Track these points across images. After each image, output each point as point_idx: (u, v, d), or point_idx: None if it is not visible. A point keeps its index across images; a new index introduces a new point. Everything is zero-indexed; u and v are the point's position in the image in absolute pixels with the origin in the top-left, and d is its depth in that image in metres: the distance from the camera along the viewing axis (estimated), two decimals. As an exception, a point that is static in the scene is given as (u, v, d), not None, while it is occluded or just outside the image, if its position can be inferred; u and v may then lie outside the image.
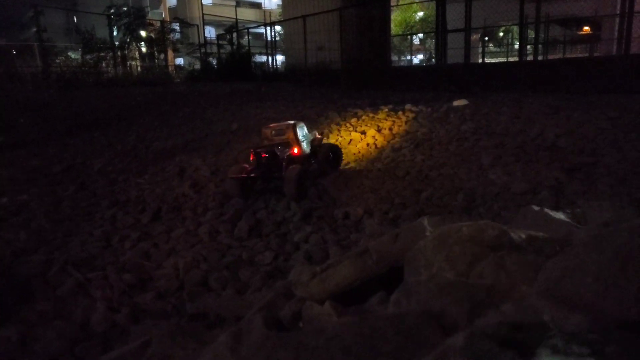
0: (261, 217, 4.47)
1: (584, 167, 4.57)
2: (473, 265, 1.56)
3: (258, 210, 4.64)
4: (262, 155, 5.07)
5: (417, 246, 1.84)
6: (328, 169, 5.59)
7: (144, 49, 22.19)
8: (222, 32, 25.74)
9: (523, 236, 1.67)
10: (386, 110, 8.19)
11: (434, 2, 13.94)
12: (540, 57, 21.61)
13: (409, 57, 30.66)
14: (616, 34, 14.23)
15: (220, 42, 23.99)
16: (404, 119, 7.57)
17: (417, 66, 24.37)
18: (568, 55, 24.77)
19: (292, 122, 5.33)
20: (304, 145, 5.26)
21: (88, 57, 18.79)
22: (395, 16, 33.01)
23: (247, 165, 5.05)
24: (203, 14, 25.71)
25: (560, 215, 2.16)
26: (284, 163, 4.94)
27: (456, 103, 8.16)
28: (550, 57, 23.02)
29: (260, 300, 2.33)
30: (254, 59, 22.95)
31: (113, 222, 4.68)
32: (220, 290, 3.15)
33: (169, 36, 22.68)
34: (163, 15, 31.17)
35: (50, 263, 3.63)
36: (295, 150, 5.14)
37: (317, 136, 5.77)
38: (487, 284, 1.46)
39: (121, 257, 3.78)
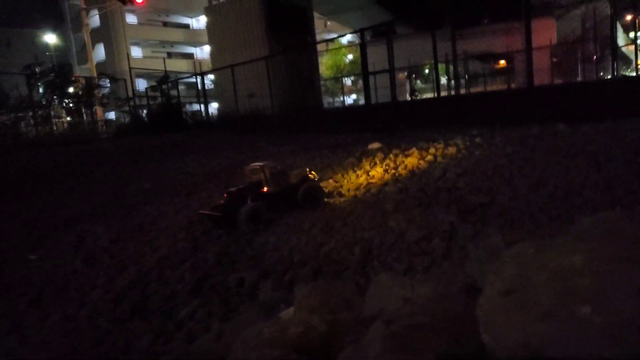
0: (150, 290, 4.17)
1: (478, 208, 4.61)
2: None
3: (150, 283, 4.34)
4: (224, 196, 5.73)
5: (233, 348, 1.68)
6: (304, 205, 5.85)
7: (70, 106, 21.46)
8: (154, 83, 25.42)
9: (323, 327, 1.53)
10: (305, 157, 8.16)
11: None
12: (463, 91, 22.70)
13: (342, 98, 31.39)
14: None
15: (152, 93, 23.63)
16: (320, 165, 7.54)
17: (348, 107, 24.93)
18: (489, 88, 26.17)
19: (264, 163, 5.98)
20: (276, 183, 5.86)
21: (4, 118, 17.90)
22: (326, 60, 34.03)
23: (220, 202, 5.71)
24: (131, 68, 25.31)
25: (396, 289, 2.03)
26: (248, 200, 5.51)
27: (370, 146, 8.25)
28: (474, 90, 24.22)
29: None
30: (185, 109, 22.72)
31: (-16, 311, 4.23)
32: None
33: (95, 91, 22.07)
34: (90, 71, 30.50)
35: None
36: (265, 189, 5.79)
37: (308, 174, 6.13)
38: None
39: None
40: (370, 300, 2.28)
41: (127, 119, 23.64)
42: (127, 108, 23.74)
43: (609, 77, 15.44)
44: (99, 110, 24.02)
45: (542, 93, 10.62)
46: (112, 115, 29.66)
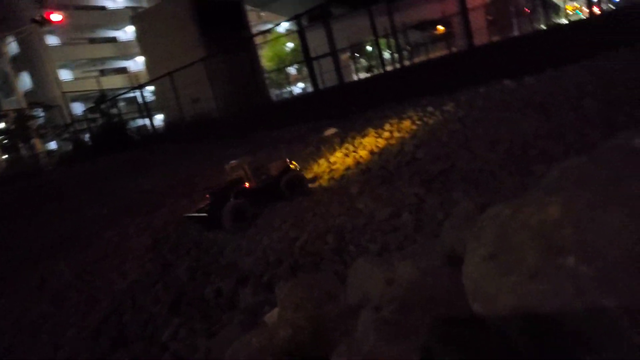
0: (127, 319, 4.01)
1: (440, 175, 4.65)
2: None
3: (125, 311, 4.17)
4: (206, 197, 5.77)
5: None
6: (287, 195, 5.79)
7: (4, 143, 20.40)
8: (92, 105, 24.46)
9: (311, 325, 1.48)
10: (261, 155, 8.04)
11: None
12: (408, 63, 22.94)
13: (289, 89, 31.14)
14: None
15: (91, 115, 22.74)
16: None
17: (296, 97, 24.76)
18: (432, 55, 26.53)
19: (242, 159, 6.03)
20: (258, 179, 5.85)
21: None
22: (267, 52, 33.66)
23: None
24: (64, 92, 24.25)
25: (376, 272, 1.99)
26: (231, 198, 5.48)
27: (326, 133, 8.21)
28: (418, 60, 24.49)
29: None
30: (130, 126, 22.03)
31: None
32: None
33: (29, 123, 21.03)
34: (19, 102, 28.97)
35: None
36: (247, 185, 5.77)
37: (289, 165, 6.03)
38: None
39: None
40: (353, 288, 2.24)
41: (70, 146, 22.68)
42: (67, 135, 22.76)
43: (543, 27, 15.94)
44: (37, 142, 22.92)
45: (483, 52, 10.82)
46: (53, 145, 28.41)
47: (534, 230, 1.16)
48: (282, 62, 32.59)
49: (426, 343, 0.93)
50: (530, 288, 1.06)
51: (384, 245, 3.77)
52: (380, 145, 6.19)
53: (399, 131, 6.58)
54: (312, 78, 13.80)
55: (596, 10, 13.88)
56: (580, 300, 0.96)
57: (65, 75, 38.13)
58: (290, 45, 36.11)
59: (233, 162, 6.08)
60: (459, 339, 0.96)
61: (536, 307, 1.02)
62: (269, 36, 32.88)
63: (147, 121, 21.16)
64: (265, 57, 33.49)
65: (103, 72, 40.71)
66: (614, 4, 24.53)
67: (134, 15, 22.81)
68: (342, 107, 11.55)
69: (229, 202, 5.39)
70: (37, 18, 24.25)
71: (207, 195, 5.77)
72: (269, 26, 33.68)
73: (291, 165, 6.13)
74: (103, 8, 43.12)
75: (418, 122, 6.57)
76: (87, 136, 22.12)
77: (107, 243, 6.16)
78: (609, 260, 0.97)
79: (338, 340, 1.40)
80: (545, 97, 5.91)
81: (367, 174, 5.49)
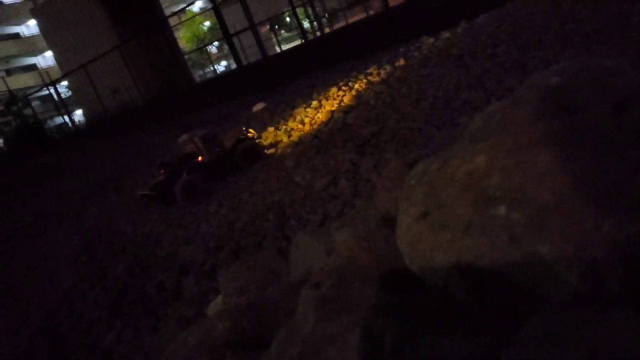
0: (65, 329, 3.77)
1: (372, 138, 4.66)
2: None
3: (62, 322, 3.92)
4: (161, 172, 5.65)
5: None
6: (243, 165, 5.66)
7: None
8: (1, 107, 22.55)
9: (252, 312, 1.40)
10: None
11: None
12: (328, 30, 22.80)
13: (212, 68, 30.14)
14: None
15: (2, 119, 21.00)
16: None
17: (220, 75, 23.96)
18: (351, 20, 26.49)
19: (192, 133, 5.82)
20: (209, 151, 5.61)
21: None
22: (184, 33, 32.28)
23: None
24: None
25: (316, 245, 1.93)
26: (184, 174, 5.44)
27: (255, 109, 8.02)
28: (336, 26, 24.37)
29: None
30: (47, 125, 20.59)
31: None
32: None
33: None
34: None
35: None
36: (199, 158, 5.61)
37: (244, 134, 5.80)
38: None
39: None
40: (295, 263, 2.18)
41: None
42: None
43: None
44: None
45: (399, 12, 10.87)
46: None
47: (462, 182, 1.12)
48: (201, 42, 31.38)
49: (366, 319, 0.87)
50: (465, 243, 1.03)
51: (325, 215, 3.74)
52: (310, 115, 6.11)
53: (326, 99, 6.52)
54: (234, 54, 13.38)
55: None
56: (516, 249, 0.93)
57: (-36, 78, 34.83)
58: (207, 24, 34.78)
59: (184, 136, 5.89)
60: (398, 308, 0.91)
61: (473, 261, 0.99)
62: (184, 17, 31.49)
63: (66, 118, 19.85)
64: (183, 38, 32.14)
65: (9, 72, 37.36)
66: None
67: (34, 8, 20.92)
68: (268, 80, 11.32)
69: (180, 179, 5.31)
70: None
71: (161, 171, 5.65)
72: (182, 6, 32.24)
73: (248, 134, 5.88)
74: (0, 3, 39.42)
75: (344, 87, 6.53)
76: (0, 141, 20.48)
77: (35, 252, 5.75)
78: (540, 204, 0.95)
79: (281, 323, 1.33)
80: (462, 49, 6.03)
81: (300, 145, 5.41)
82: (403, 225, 1.22)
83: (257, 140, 5.99)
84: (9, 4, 39.81)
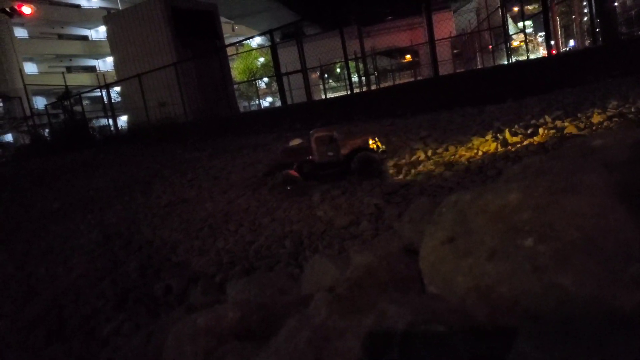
0: (68, 313, 3.80)
1: (401, 189, 4.69)
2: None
3: (67, 305, 3.96)
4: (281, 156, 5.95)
5: (165, 346, 1.51)
6: (357, 175, 5.38)
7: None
8: (54, 100, 23.63)
9: (262, 310, 1.42)
10: (224, 158, 7.93)
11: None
12: (374, 86, 23.37)
13: (257, 102, 31.08)
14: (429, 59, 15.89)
15: (53, 111, 21.97)
16: (241, 165, 7.35)
17: (264, 110, 24.63)
18: (398, 81, 27.18)
19: (319, 131, 5.65)
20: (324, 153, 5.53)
21: None
22: (238, 64, 33.60)
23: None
24: (26, 85, 23.34)
25: (332, 266, 1.95)
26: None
27: (292, 143, 8.18)
28: (384, 84, 25.01)
29: None
30: (92, 124, 21.35)
31: None
32: None
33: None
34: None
35: None
36: (310, 157, 5.63)
37: (366, 144, 5.41)
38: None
39: None
40: (307, 281, 2.19)
41: (27, 140, 21.76)
42: (25, 128, 21.86)
43: (505, 62, 16.64)
44: (-8, 133, 21.95)
45: (448, 81, 11.13)
46: (9, 137, 27.17)
47: (493, 214, 1.15)
48: (252, 75, 32.58)
49: (380, 308, 0.89)
50: (486, 268, 1.05)
51: (341, 252, 3.74)
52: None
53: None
54: (281, 92, 13.83)
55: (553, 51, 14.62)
56: (537, 278, 0.95)
57: (30, 68, 36.86)
58: (261, 60, 36.19)
59: (319, 129, 5.72)
60: (414, 304, 0.93)
61: (492, 285, 1.01)
62: (241, 49, 32.90)
63: (110, 121, 20.61)
64: (237, 69, 33.42)
65: (70, 69, 39.50)
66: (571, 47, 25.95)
67: (106, 16, 22.28)
68: (308, 122, 11.59)
69: (284, 170, 5.53)
70: (7, 9, 23.47)
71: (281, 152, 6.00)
72: (242, 39, 33.77)
73: (371, 145, 5.45)
74: (78, 6, 42.33)
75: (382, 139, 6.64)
76: (47, 131, 21.31)
77: (55, 237, 5.87)
78: (567, 240, 0.97)
79: (290, 317, 1.35)
80: (501, 120, 6.11)
81: (329, 183, 5.48)
82: (427, 247, 1.25)
83: (382, 154, 5.54)
84: (86, 9, 42.62)
